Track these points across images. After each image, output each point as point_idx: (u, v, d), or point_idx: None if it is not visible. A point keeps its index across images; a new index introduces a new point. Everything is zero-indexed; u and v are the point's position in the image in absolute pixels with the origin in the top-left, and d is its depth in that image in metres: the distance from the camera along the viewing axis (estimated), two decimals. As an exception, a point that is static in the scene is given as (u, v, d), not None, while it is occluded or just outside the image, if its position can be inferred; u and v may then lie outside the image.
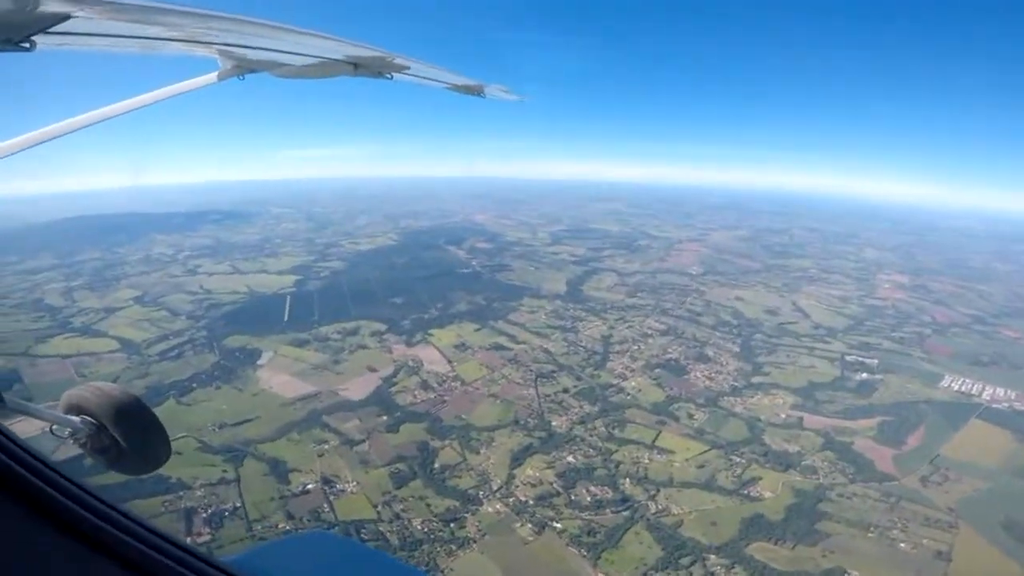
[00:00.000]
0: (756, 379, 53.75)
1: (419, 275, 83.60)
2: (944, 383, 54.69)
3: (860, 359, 59.48)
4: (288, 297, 72.86)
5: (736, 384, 52.47)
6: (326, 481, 36.34)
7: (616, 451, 40.95)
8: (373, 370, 52.05)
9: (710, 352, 59.13)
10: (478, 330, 62.72)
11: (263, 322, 62.67)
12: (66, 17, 2.86)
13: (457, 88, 7.37)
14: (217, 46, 4.72)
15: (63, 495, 1.53)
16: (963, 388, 53.75)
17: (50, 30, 2.92)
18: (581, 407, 46.94)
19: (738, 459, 40.96)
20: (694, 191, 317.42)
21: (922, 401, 51.08)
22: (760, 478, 38.96)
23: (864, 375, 55.91)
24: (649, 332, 64.30)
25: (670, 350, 59.27)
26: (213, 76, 4.89)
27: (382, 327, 62.14)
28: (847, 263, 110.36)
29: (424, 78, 6.73)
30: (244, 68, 4.99)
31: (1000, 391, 52.58)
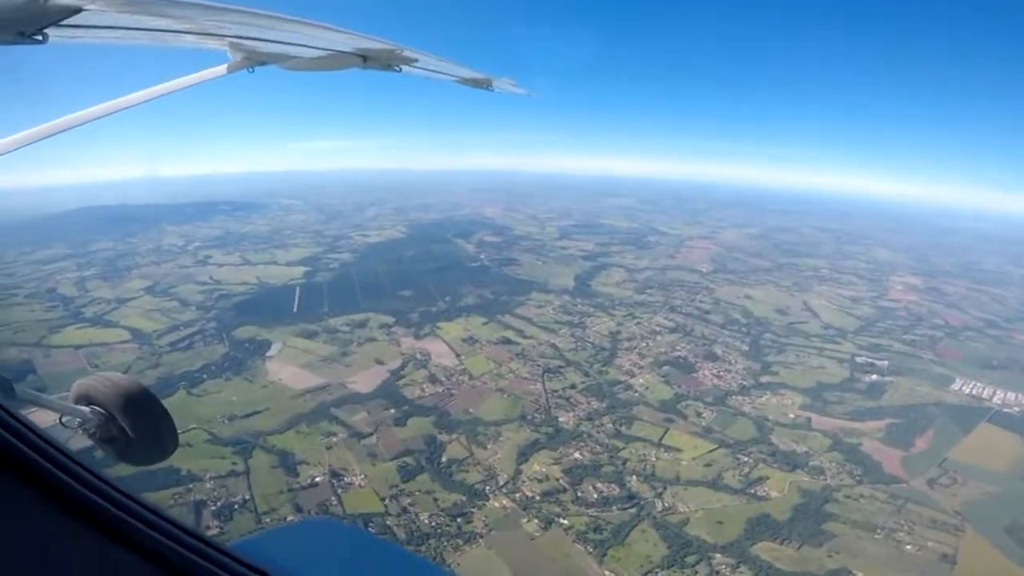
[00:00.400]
0: (765, 378, 53.52)
1: (427, 268, 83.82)
2: (955, 386, 54.23)
3: (870, 360, 59.04)
4: (297, 288, 73.36)
5: (744, 383, 52.27)
6: (334, 474, 36.57)
7: (623, 448, 40.95)
8: (381, 363, 52.26)
9: (719, 350, 58.91)
10: (486, 324, 62.82)
11: (272, 313, 63.12)
12: (77, 10, 2.90)
13: (465, 81, 7.41)
14: (227, 38, 4.75)
15: (75, 480, 1.58)
16: (974, 392, 53.24)
17: (62, 23, 2.97)
18: (588, 403, 46.95)
19: (745, 458, 40.85)
20: (705, 188, 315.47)
21: (932, 404, 50.67)
22: (767, 478, 38.86)
23: (874, 377, 55.51)
24: (658, 329, 64.11)
25: (679, 347, 59.09)
26: (223, 68, 4.93)
27: (390, 319, 62.35)
28: (859, 263, 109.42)
29: (433, 71, 6.75)
30: (254, 60, 5.03)
31: (1011, 395, 52.06)
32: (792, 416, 47.27)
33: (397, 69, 5.81)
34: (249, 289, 73.54)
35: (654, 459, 40.00)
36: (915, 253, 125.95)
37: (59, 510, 1.53)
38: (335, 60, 5.49)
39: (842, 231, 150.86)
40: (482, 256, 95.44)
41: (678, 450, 41.31)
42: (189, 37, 4.44)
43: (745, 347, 60.73)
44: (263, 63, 5.17)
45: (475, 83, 7.44)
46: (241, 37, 4.79)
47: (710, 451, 41.54)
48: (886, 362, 58.79)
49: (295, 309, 65.94)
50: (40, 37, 2.94)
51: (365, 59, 5.53)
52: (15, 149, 3.51)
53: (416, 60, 5.93)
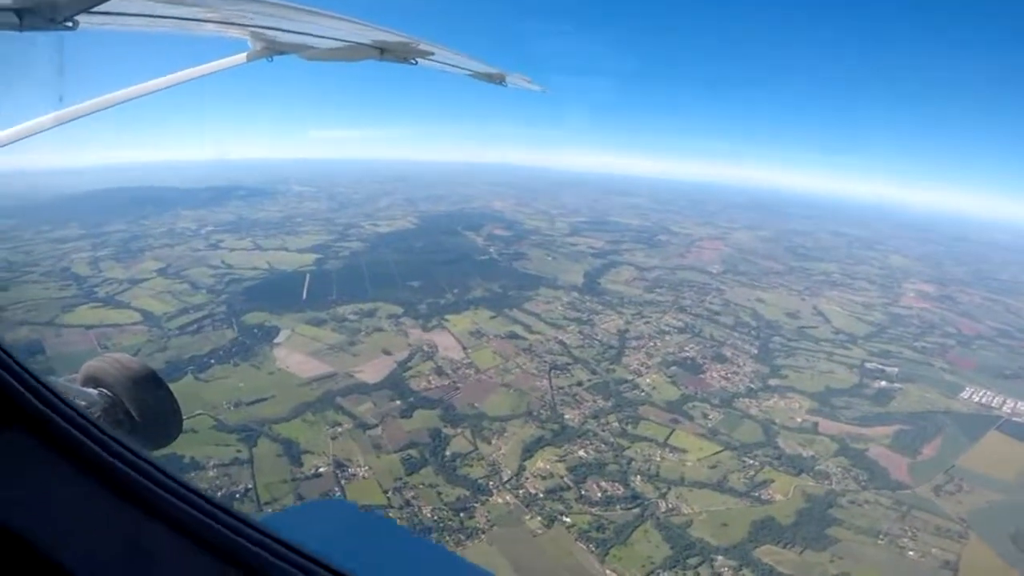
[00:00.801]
0: (773, 382, 53.19)
1: (437, 259, 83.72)
2: (965, 395, 53.68)
3: (880, 367, 58.50)
4: (307, 275, 73.49)
5: (752, 386, 51.95)
6: (338, 464, 36.64)
7: (628, 447, 40.83)
8: (388, 353, 52.35)
9: (727, 352, 58.57)
10: (493, 318, 62.76)
11: (282, 299, 63.29)
12: None
13: (479, 76, 7.58)
14: (248, 28, 4.87)
15: (102, 448, 1.63)
16: (984, 400, 52.72)
17: (92, 10, 3.09)
18: (595, 401, 46.85)
19: (751, 461, 40.68)
20: (718, 188, 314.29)
21: (941, 411, 50.25)
22: (772, 481, 38.70)
23: (883, 383, 55.04)
24: (666, 329, 63.81)
25: (687, 348, 58.80)
26: (243, 57, 5.07)
27: (399, 310, 62.40)
28: (872, 269, 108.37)
29: (448, 64, 6.94)
30: (273, 50, 5.18)
31: (1021, 405, 51.46)
32: (799, 420, 46.99)
33: (413, 62, 5.92)
34: (259, 274, 73.87)
35: (659, 459, 39.88)
36: (929, 260, 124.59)
37: (77, 469, 1.59)
38: (353, 51, 5.64)
39: (856, 236, 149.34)
40: (491, 249, 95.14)
41: (683, 451, 41.18)
42: (211, 26, 4.57)
43: (754, 350, 60.36)
44: (282, 53, 5.31)
45: (489, 78, 7.61)
46: (261, 27, 4.92)
47: (716, 453, 41.37)
48: (896, 369, 58.26)
49: (304, 296, 66.10)
50: (70, 24, 3.04)
51: (382, 51, 5.67)
52: (40, 132, 3.62)
53: (432, 53, 6.09)
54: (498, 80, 7.66)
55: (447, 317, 61.49)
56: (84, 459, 1.60)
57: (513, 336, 58.37)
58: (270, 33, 5.04)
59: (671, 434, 43.09)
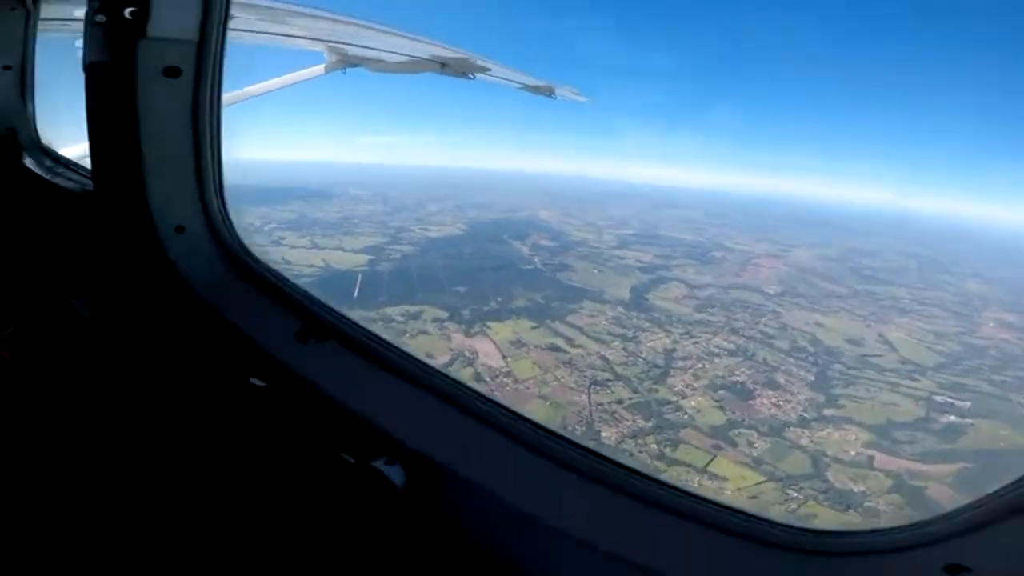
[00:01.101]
0: (828, 411, 50.30)
1: (483, 266, 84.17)
2: (1044, 434, 49.35)
3: (950, 400, 54.33)
4: (360, 275, 75.40)
5: (805, 415, 49.29)
6: (372, 466, 37.04)
7: (665, 471, 39.56)
8: (431, 356, 52.27)
9: (781, 379, 55.84)
10: (535, 328, 62.35)
11: (335, 297, 61.44)
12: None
13: (529, 88, 8.14)
14: (328, 43, 5.55)
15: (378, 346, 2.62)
16: (1066, 442, 48.31)
17: None
18: (634, 420, 45.63)
19: (795, 494, 38.51)
20: (778, 202, 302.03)
21: (1015, 451, 46.29)
22: (815, 516, 36.41)
23: (952, 417, 51.04)
24: (716, 351, 61.55)
25: (737, 372, 56.47)
26: (320, 68, 5.79)
27: (444, 314, 63.00)
28: (946, 295, 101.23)
29: (501, 79, 7.54)
30: (347, 63, 5.81)
31: (1108, 451, 46.90)
32: (854, 453, 44.15)
33: (471, 76, 6.43)
34: (316, 271, 76.06)
35: (696, 486, 38.30)
36: (1012, 285, 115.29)
37: (371, 364, 2.47)
38: (416, 65, 6.23)
39: (929, 257, 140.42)
40: (536, 259, 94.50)
41: (723, 479, 39.51)
42: (300, 41, 5.27)
43: (811, 377, 57.29)
44: (354, 65, 5.92)
45: (538, 90, 8.19)
46: (339, 42, 5.57)
47: (758, 483, 39.46)
48: (968, 403, 53.94)
49: (356, 295, 67.73)
50: None
51: (443, 65, 6.21)
52: None
53: (488, 69, 6.71)
54: (547, 92, 8.20)
55: (489, 324, 61.56)
56: (390, 366, 2.44)
57: (554, 348, 57.75)
58: (344, 48, 5.67)
59: (712, 460, 41.41)
